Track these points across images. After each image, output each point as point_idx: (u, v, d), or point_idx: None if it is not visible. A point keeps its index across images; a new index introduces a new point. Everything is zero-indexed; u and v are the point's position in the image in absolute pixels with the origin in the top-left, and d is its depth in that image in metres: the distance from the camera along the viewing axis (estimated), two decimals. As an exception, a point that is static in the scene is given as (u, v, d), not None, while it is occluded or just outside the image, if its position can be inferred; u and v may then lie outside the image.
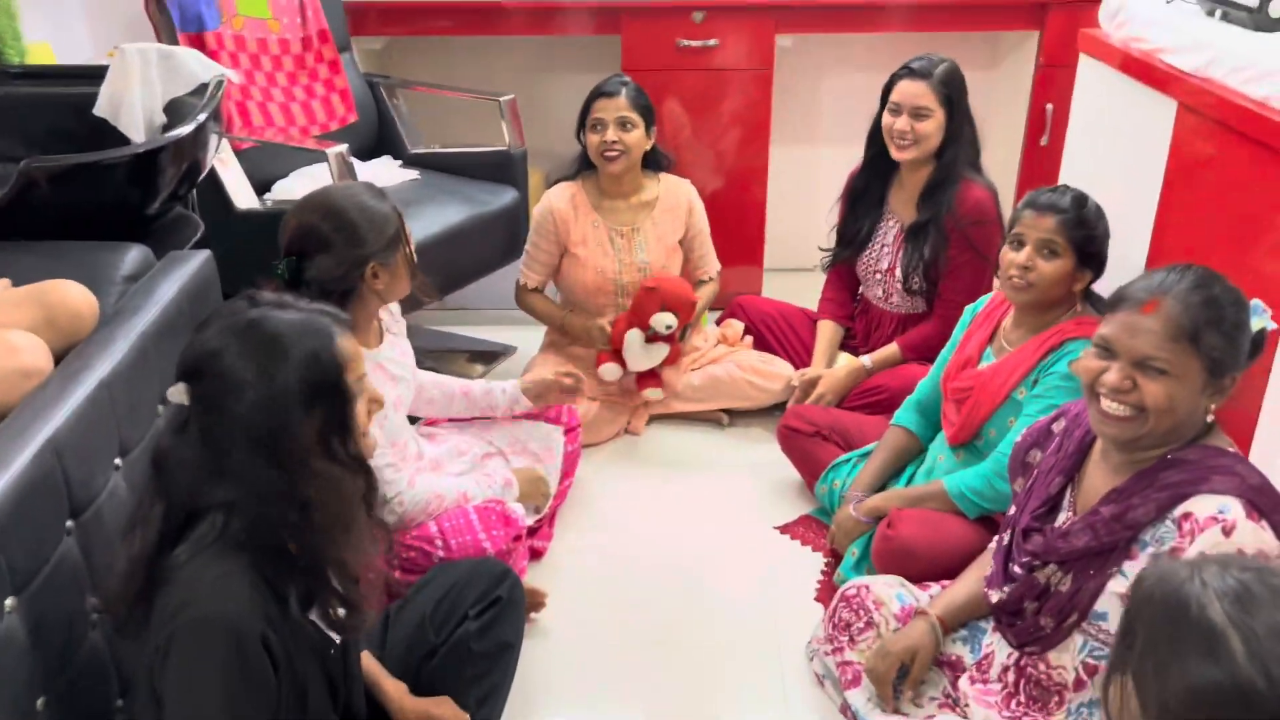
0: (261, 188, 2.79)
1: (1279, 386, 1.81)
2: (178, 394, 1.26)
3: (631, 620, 2.18)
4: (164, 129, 2.15)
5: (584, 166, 2.78)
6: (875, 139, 2.65)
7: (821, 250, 2.87)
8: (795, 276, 3.52)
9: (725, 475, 2.68)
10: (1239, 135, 1.91)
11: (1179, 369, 1.42)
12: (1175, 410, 1.44)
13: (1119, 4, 2.47)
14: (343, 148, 2.58)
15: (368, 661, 1.60)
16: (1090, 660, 1.55)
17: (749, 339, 2.94)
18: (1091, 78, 2.57)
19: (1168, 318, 1.43)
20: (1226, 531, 1.39)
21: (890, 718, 1.77)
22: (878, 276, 2.74)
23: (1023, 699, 1.64)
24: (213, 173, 2.48)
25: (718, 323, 3.02)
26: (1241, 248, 1.93)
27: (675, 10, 3.17)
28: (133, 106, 2.15)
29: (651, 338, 2.70)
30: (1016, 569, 1.65)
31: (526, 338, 3.09)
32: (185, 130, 1.97)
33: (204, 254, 1.92)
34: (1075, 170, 2.63)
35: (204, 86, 2.19)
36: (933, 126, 2.53)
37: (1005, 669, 1.68)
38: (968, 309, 2.29)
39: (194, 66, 2.22)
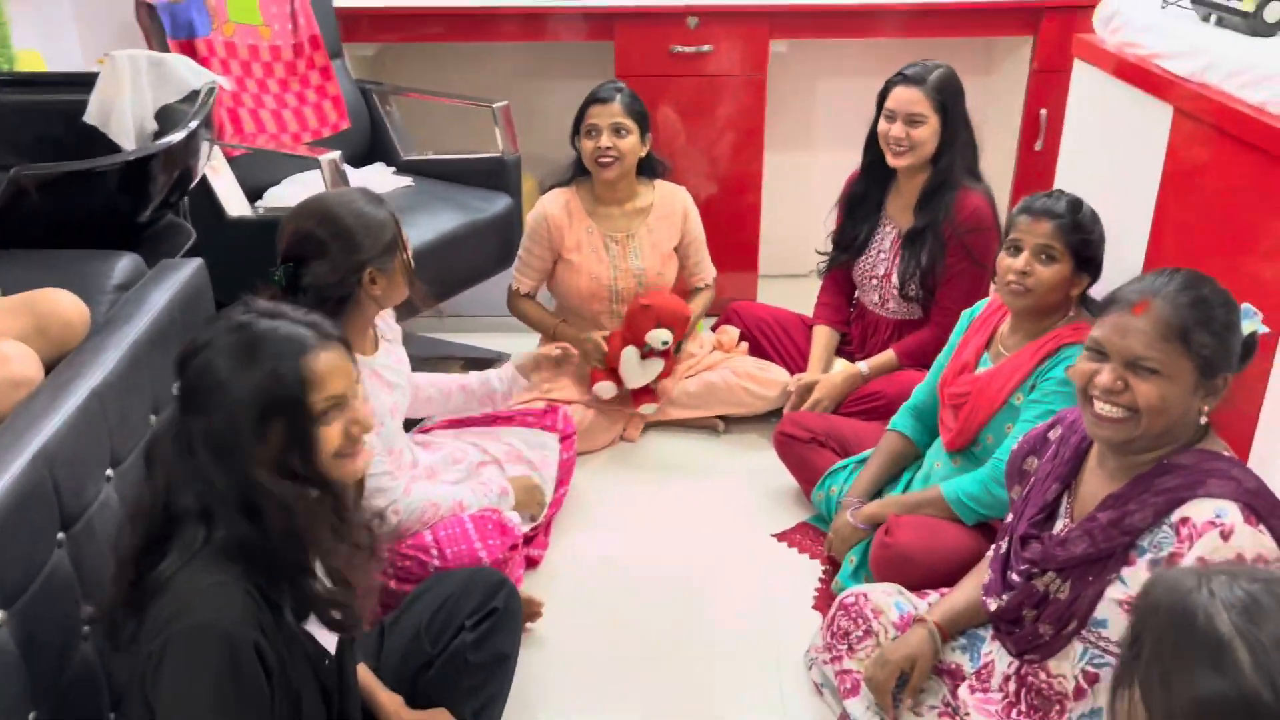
0: (253, 195, 2.78)
1: (1277, 392, 1.80)
2: (175, 387, 1.29)
3: (628, 629, 2.16)
4: (155, 136, 2.14)
5: (578, 172, 2.77)
6: (872, 145, 2.65)
7: (819, 254, 2.87)
8: (790, 282, 3.52)
9: (721, 482, 2.67)
10: (1235, 140, 1.91)
11: (1170, 368, 1.43)
12: (1168, 411, 1.44)
13: (1113, 10, 2.47)
14: (335, 154, 2.57)
15: (363, 674, 1.59)
16: (1090, 668, 1.54)
17: (744, 345, 2.94)
18: (1086, 83, 2.57)
19: (1157, 318, 1.44)
20: (1225, 536, 1.38)
21: (889, 727, 1.76)
22: (874, 282, 2.74)
23: (1023, 708, 1.63)
24: (204, 180, 2.47)
25: (713, 329, 3.01)
26: (1238, 252, 1.93)
27: (669, 16, 3.17)
28: (123, 114, 2.14)
29: (647, 354, 2.70)
30: (1015, 577, 1.65)
31: (520, 345, 3.07)
32: (176, 137, 1.96)
33: (196, 262, 1.91)
34: (1070, 175, 2.63)
35: (195, 93, 2.18)
36: (927, 133, 2.53)
37: (1006, 678, 1.67)
38: (964, 314, 2.29)
39: (185, 73, 2.21)
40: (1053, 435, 1.73)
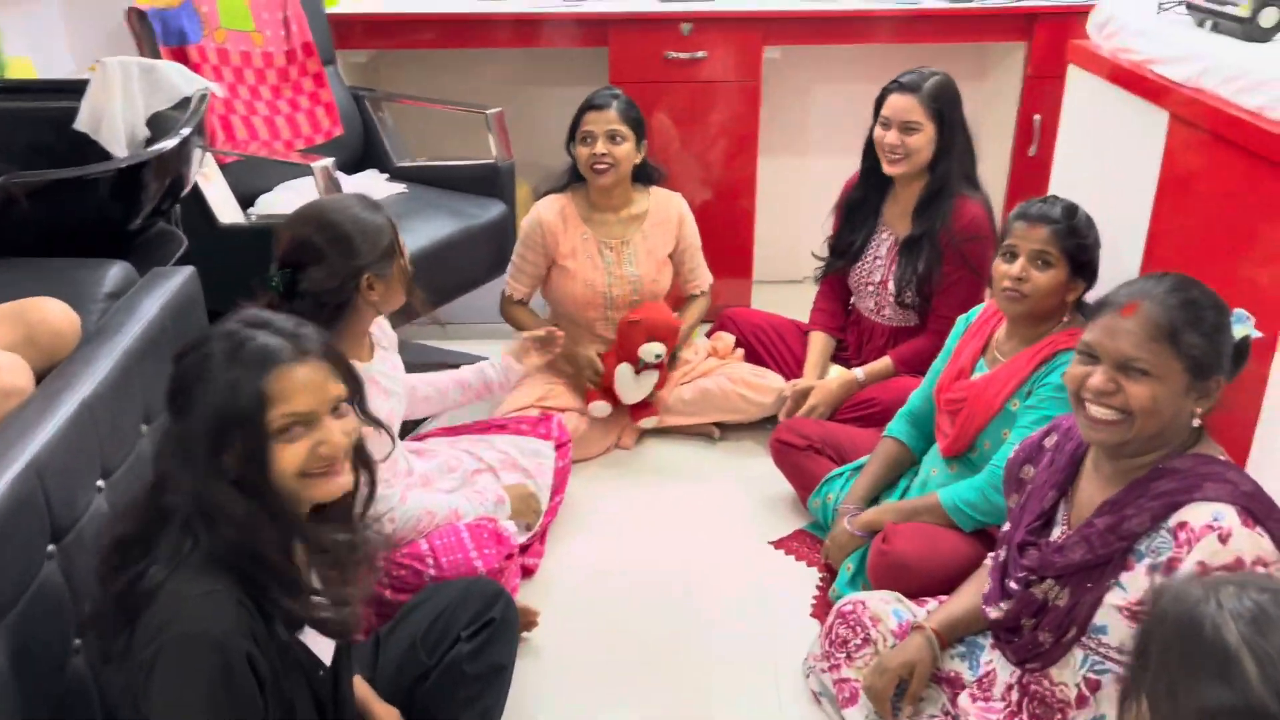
0: (246, 202, 2.77)
1: (1275, 397, 1.80)
2: None
3: (625, 638, 2.15)
4: (147, 143, 2.13)
5: (573, 179, 2.76)
6: (870, 152, 2.64)
7: (816, 258, 2.86)
8: (784, 288, 3.52)
9: (717, 489, 2.66)
10: (1233, 146, 1.91)
11: (1160, 369, 1.44)
12: (1160, 412, 1.45)
13: (1108, 15, 2.47)
14: (328, 161, 2.56)
15: (359, 686, 1.58)
16: (1091, 675, 1.54)
17: (740, 351, 2.93)
18: (1081, 88, 2.57)
19: (1146, 319, 1.45)
20: (1223, 539, 1.38)
21: (889, 735, 1.75)
22: (870, 289, 2.73)
23: (1025, 717, 1.63)
24: (196, 187, 2.45)
25: (708, 335, 3.00)
26: (1236, 258, 1.93)
27: (663, 22, 3.17)
28: (114, 121, 2.13)
29: (641, 368, 2.69)
30: (1013, 585, 1.64)
31: (514, 351, 3.07)
32: (168, 145, 1.95)
33: (188, 270, 1.90)
34: (1065, 181, 2.64)
35: (187, 100, 2.17)
36: (922, 141, 2.52)
37: (1009, 687, 1.66)
38: (960, 319, 2.29)
39: (176, 80, 2.20)
40: (1048, 443, 1.73)
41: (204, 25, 2.81)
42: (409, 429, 2.57)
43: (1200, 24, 2.24)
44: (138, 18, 2.70)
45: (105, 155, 2.11)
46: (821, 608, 2.22)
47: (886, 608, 1.89)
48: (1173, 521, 1.44)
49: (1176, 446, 1.50)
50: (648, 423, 2.79)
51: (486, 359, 2.42)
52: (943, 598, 1.90)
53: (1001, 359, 2.11)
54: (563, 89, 3.36)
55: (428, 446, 2.38)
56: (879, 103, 2.58)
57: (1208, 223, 2.02)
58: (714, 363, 2.88)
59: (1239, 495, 1.42)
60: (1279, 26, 2.07)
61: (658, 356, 2.67)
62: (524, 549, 2.30)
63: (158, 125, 2.15)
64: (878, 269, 2.70)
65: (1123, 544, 1.48)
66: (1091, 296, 2.06)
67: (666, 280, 2.84)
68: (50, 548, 1.32)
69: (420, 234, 2.72)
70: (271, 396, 1.23)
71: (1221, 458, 1.50)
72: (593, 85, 2.82)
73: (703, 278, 2.92)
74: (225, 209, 2.60)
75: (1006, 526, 1.74)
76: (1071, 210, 2.02)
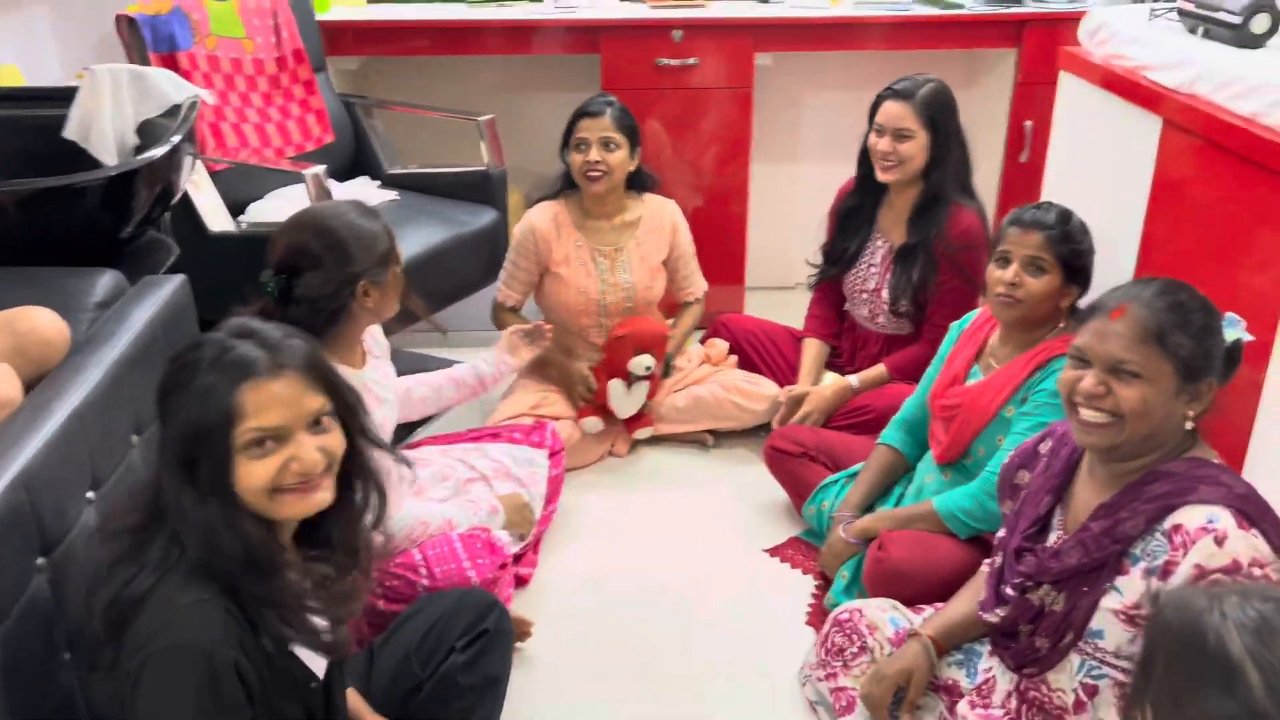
0: (236, 210, 2.76)
1: (1271, 402, 1.80)
2: None
3: (619, 648, 2.14)
4: (136, 151, 2.12)
5: (567, 186, 2.76)
6: (865, 159, 2.64)
7: (810, 265, 2.86)
8: (776, 294, 3.52)
9: (711, 497, 2.65)
10: (1226, 151, 1.92)
11: (1149, 371, 1.45)
12: (1150, 414, 1.46)
13: (1099, 22, 2.48)
14: (320, 169, 2.56)
15: (352, 698, 1.57)
16: (1089, 680, 1.54)
17: (733, 358, 2.92)
18: (1073, 95, 2.58)
19: (1134, 321, 1.46)
20: (1219, 541, 1.38)
21: (887, 743, 1.75)
22: (864, 296, 2.73)
23: (1025, 724, 1.62)
24: (186, 195, 2.44)
25: (701, 342, 3.00)
26: (1229, 263, 1.93)
27: (654, 29, 3.17)
28: (104, 129, 2.11)
29: (633, 381, 2.69)
30: (1009, 591, 1.64)
31: (506, 360, 3.06)
32: (158, 152, 1.94)
33: (178, 279, 1.88)
34: (1058, 187, 2.64)
35: (177, 108, 2.16)
36: (915, 148, 2.52)
37: (1009, 694, 1.65)
38: (954, 325, 2.29)
39: (166, 87, 2.19)
40: (1043, 448, 1.73)
41: (194, 32, 2.80)
42: (402, 437, 2.55)
43: (1192, 30, 2.25)
44: (127, 24, 2.69)
45: (95, 163, 2.10)
46: (817, 616, 2.21)
47: (883, 615, 1.89)
48: (1167, 524, 1.44)
49: (1170, 450, 1.50)
50: (643, 433, 2.79)
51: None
52: (939, 605, 1.89)
53: (996, 365, 2.11)
54: (554, 96, 3.36)
55: (420, 455, 2.37)
56: (873, 109, 2.58)
57: (1201, 228, 2.02)
58: (707, 369, 2.87)
59: (1233, 498, 1.42)
60: (1270, 33, 2.07)
61: (648, 369, 2.66)
62: (518, 558, 2.29)
63: (147, 133, 2.14)
64: (872, 276, 2.70)
65: (1118, 547, 1.48)
66: (1086, 302, 2.07)
67: (660, 287, 2.83)
68: (39, 561, 1.31)
69: (412, 241, 2.71)
70: (242, 410, 1.22)
71: (1216, 461, 1.50)
72: (584, 92, 2.81)
73: (697, 285, 2.92)
74: (216, 217, 2.59)
75: (1002, 532, 1.74)
76: (1066, 216, 2.02)
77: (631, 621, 2.21)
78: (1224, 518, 1.40)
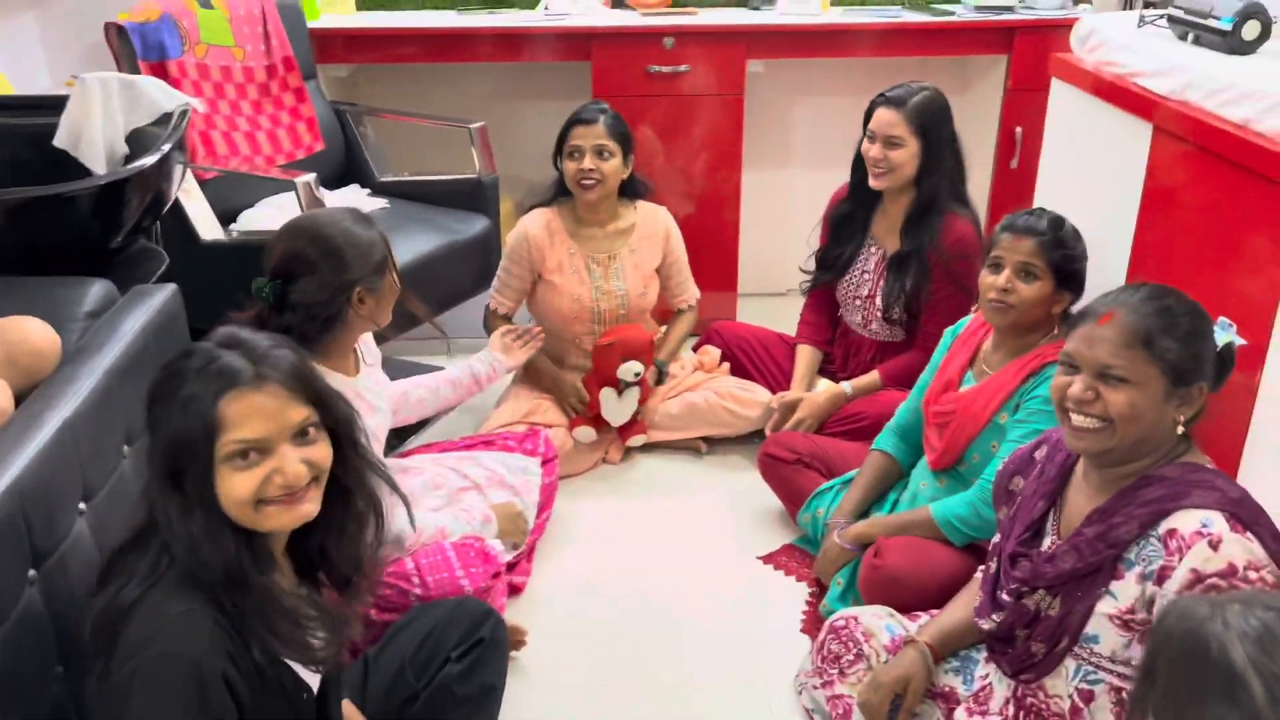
0: (227, 218, 2.74)
1: (1265, 407, 1.81)
2: None
3: (614, 656, 2.13)
4: (126, 160, 2.10)
5: (560, 193, 2.75)
6: (859, 165, 2.64)
7: (803, 271, 2.86)
8: (769, 301, 3.52)
9: (705, 504, 2.64)
10: (1218, 158, 1.92)
11: (1137, 376, 1.45)
12: (1139, 418, 1.46)
13: (1090, 29, 2.48)
14: (310, 177, 2.55)
15: (349, 711, 1.55)
16: (1084, 685, 1.54)
17: (726, 365, 2.92)
18: (1064, 101, 2.58)
19: (1121, 326, 1.47)
20: (1214, 545, 1.39)
21: (884, 751, 1.74)
22: (857, 303, 2.73)
23: (1022, 732, 1.62)
24: (176, 204, 2.43)
25: (694, 349, 3.00)
26: (1221, 269, 1.93)
27: (646, 36, 3.17)
28: (93, 137, 2.10)
29: (623, 389, 2.69)
30: (1005, 596, 1.64)
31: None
32: (149, 161, 1.93)
33: (169, 288, 1.87)
34: (1050, 193, 2.64)
35: (168, 116, 2.15)
36: (905, 156, 2.52)
37: (1006, 701, 1.65)
38: (947, 331, 2.29)
39: (157, 95, 2.17)
40: (1039, 455, 1.73)
41: (184, 40, 2.78)
42: (395, 444, 2.54)
43: (1182, 37, 2.26)
44: (116, 33, 2.67)
45: (85, 172, 2.08)
46: (812, 623, 2.21)
47: (879, 623, 1.88)
48: (1162, 529, 1.44)
49: (1163, 455, 1.51)
50: (636, 441, 2.78)
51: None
52: (934, 612, 1.89)
53: (989, 371, 2.11)
54: (546, 103, 3.36)
55: (413, 464, 2.36)
56: (868, 115, 2.58)
57: (1193, 234, 2.03)
58: (700, 376, 2.87)
59: (1227, 501, 1.42)
60: (1261, 39, 2.08)
61: (637, 375, 2.66)
62: (511, 566, 2.28)
63: (138, 141, 2.12)
64: (865, 283, 2.70)
65: (1112, 552, 1.49)
66: (1079, 308, 2.07)
67: (653, 294, 2.83)
68: (31, 573, 1.29)
69: (403, 249, 2.70)
70: (224, 421, 1.20)
71: (1209, 466, 1.51)
72: (575, 100, 2.81)
73: (690, 292, 2.92)
74: (206, 225, 2.57)
75: (997, 538, 1.74)
76: (1058, 222, 2.03)
77: (626, 630, 2.20)
78: (1218, 522, 1.40)
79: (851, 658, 1.85)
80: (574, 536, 2.50)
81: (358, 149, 3.21)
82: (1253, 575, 1.36)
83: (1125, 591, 1.47)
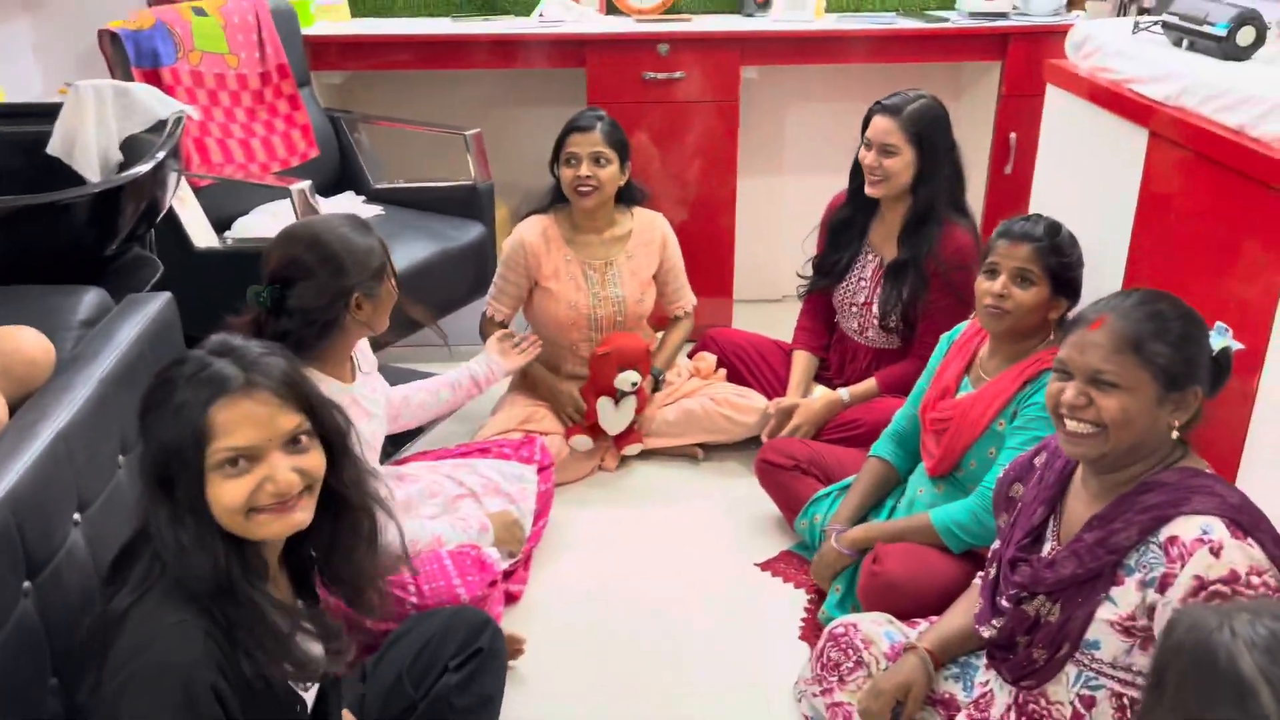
0: (221, 226, 2.73)
1: (1263, 412, 1.81)
2: None
3: (612, 664, 2.12)
4: (121, 168, 2.10)
5: (556, 200, 2.75)
6: (857, 172, 2.64)
7: (799, 277, 2.86)
8: (764, 307, 3.52)
9: (702, 511, 2.64)
10: (1213, 163, 1.92)
11: (1128, 380, 1.46)
12: (1132, 423, 1.46)
13: (1085, 35, 2.49)
14: (305, 184, 2.54)
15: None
16: (1086, 691, 1.54)
17: (722, 371, 2.92)
18: (1059, 108, 2.58)
19: (1112, 331, 1.47)
20: (1215, 552, 1.38)
21: (886, 759, 1.73)
22: (854, 309, 2.73)
23: (1024, 739, 1.61)
24: (171, 212, 2.42)
25: (690, 356, 2.99)
26: (1218, 274, 1.94)
27: (640, 43, 3.17)
28: (88, 145, 2.10)
29: (620, 398, 2.68)
30: (1004, 602, 1.64)
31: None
32: (144, 169, 1.93)
33: (164, 296, 1.87)
34: (1045, 199, 2.64)
35: (162, 123, 2.14)
36: (900, 164, 2.52)
37: (1008, 708, 1.65)
38: (944, 337, 2.28)
39: (151, 103, 2.17)
40: (1038, 461, 1.73)
41: (178, 47, 2.78)
42: (391, 452, 2.53)
43: (1177, 43, 2.26)
44: (110, 40, 2.66)
45: (78, 180, 2.08)
46: (810, 630, 2.20)
47: (878, 630, 1.87)
48: (1162, 536, 1.44)
49: (1160, 460, 1.51)
50: (633, 449, 2.78)
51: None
52: (934, 619, 1.89)
53: (986, 377, 2.11)
54: (540, 110, 3.36)
55: (408, 471, 2.35)
56: (865, 122, 2.58)
57: (1189, 240, 2.03)
58: (697, 383, 2.86)
59: (1226, 507, 1.42)
60: (1256, 45, 2.09)
61: (634, 384, 2.66)
62: (508, 575, 2.28)
63: (132, 149, 2.12)
64: (862, 290, 2.70)
65: (1112, 558, 1.48)
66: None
67: (650, 301, 2.82)
68: (25, 584, 1.28)
69: (399, 256, 2.66)
70: (214, 428, 1.20)
71: (1208, 471, 1.51)
72: (571, 106, 2.81)
73: (686, 299, 2.91)
74: (200, 233, 2.57)
75: (997, 544, 1.73)
76: (1054, 229, 2.03)
77: (623, 637, 2.20)
78: (1218, 528, 1.40)
79: (851, 665, 1.84)
80: (571, 544, 2.50)
81: (352, 156, 3.21)
82: (1255, 581, 1.36)
83: (1125, 598, 1.47)
